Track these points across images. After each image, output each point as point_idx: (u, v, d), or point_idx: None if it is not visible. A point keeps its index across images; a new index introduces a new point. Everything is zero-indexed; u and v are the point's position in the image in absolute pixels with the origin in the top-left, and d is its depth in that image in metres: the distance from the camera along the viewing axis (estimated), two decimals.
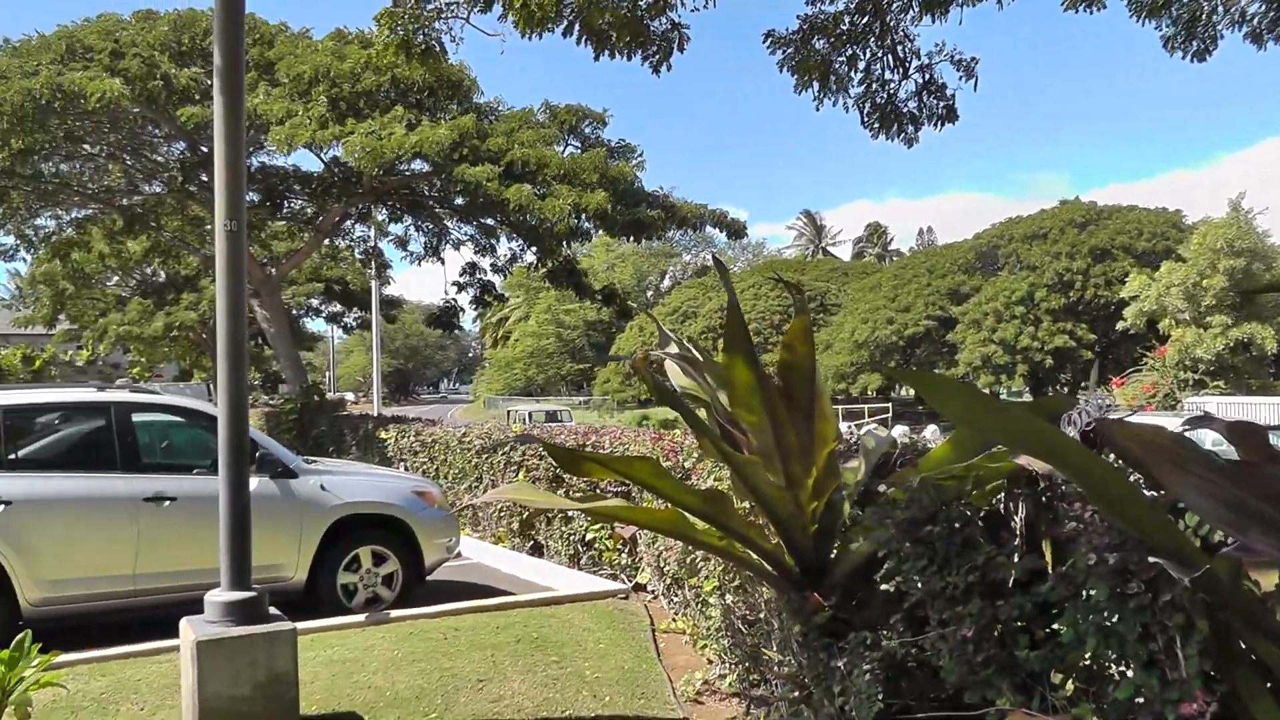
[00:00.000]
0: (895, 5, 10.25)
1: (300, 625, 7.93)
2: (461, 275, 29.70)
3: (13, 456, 9.68)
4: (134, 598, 9.76)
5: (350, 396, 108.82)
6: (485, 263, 29.40)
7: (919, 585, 4.53)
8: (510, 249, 28.65)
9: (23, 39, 24.60)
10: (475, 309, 30.43)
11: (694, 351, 6.27)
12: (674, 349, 6.36)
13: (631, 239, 25.23)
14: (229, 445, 6.89)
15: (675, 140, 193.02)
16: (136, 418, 10.28)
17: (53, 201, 28.16)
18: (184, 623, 6.93)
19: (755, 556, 5.63)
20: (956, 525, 4.54)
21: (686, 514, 5.53)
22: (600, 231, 24.32)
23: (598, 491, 9.85)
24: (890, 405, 60.29)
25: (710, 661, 7.99)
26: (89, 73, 21.97)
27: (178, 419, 10.80)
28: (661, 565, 9.24)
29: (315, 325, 59.01)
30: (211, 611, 6.83)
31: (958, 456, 5.11)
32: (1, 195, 24.66)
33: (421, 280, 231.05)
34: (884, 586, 4.82)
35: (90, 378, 72.71)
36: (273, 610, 7.01)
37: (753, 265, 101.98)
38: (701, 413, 5.89)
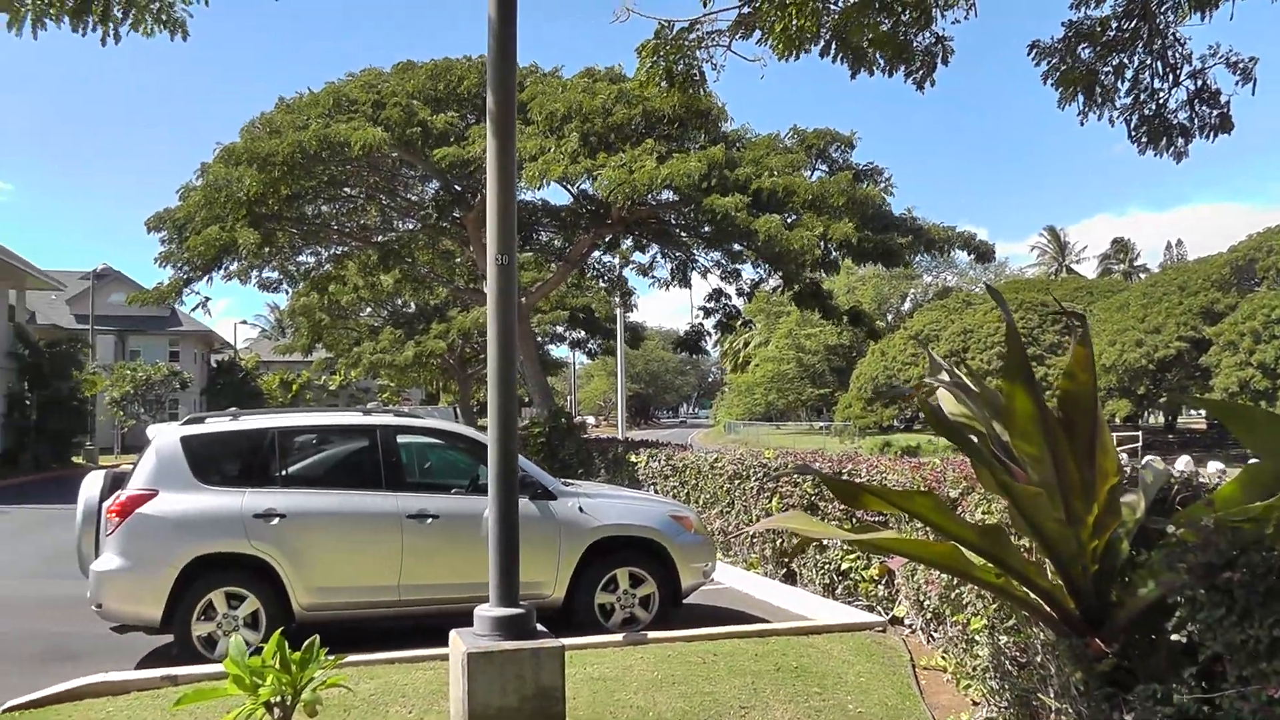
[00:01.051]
0: (1165, 5, 9.65)
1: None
2: (708, 300, 29.93)
3: (287, 473, 10.29)
4: (397, 607, 10.18)
5: (591, 420, 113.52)
6: (730, 288, 29.55)
7: (1215, 637, 4.23)
8: (756, 274, 28.72)
9: (295, 97, 26.27)
10: (719, 333, 30.59)
11: (967, 379, 6.08)
12: (945, 376, 6.19)
13: (877, 264, 24.85)
14: (499, 467, 7.07)
15: (902, 152, 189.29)
16: (400, 439, 10.76)
17: (314, 240, 29.64)
18: (454, 634, 7.10)
19: (1033, 596, 5.40)
20: (1259, 572, 4.22)
21: (963, 549, 5.35)
22: (848, 258, 24.05)
23: (861, 521, 9.67)
24: (1139, 434, 57.02)
25: (975, 703, 7.67)
26: (353, 123, 23.14)
27: (437, 441, 11.23)
28: (921, 599, 8.97)
29: (559, 351, 60.84)
30: (481, 625, 6.96)
31: (1254, 494, 4.76)
32: (269, 237, 26.06)
33: (661, 306, 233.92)
34: (1174, 636, 4.53)
35: (342, 402, 76.81)
36: (539, 627, 7.12)
37: (994, 284, 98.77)
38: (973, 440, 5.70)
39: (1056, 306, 63.75)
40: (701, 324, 30.53)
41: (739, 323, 30.75)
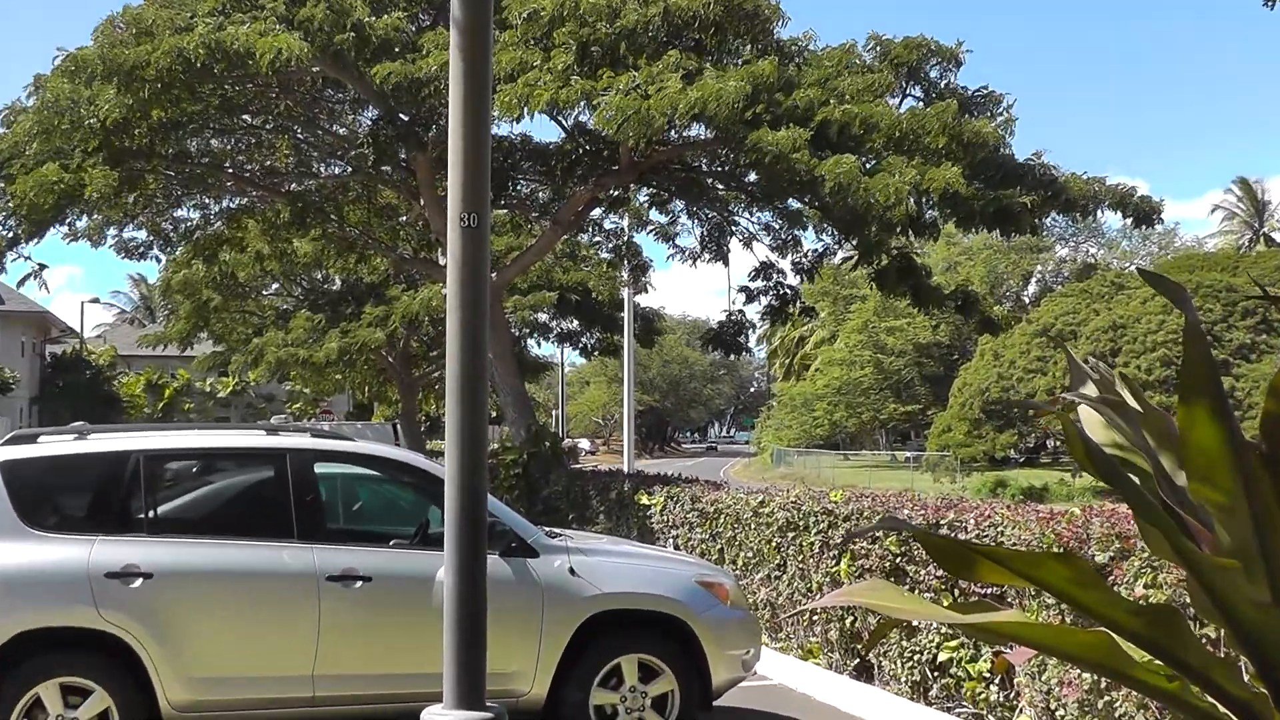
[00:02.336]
0: None
1: None
2: (752, 278, 29.68)
3: (155, 515, 10.26)
4: (312, 707, 10.15)
5: (586, 445, 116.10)
6: (783, 262, 29.30)
7: None
8: (820, 242, 28.50)
9: None
10: (766, 324, 30.57)
11: (1125, 392, 5.97)
12: (1092, 389, 6.08)
13: (991, 230, 24.65)
14: (460, 510, 7.08)
15: (1028, 79, 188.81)
16: (319, 469, 10.71)
17: (199, 187, 29.11)
18: None
19: (1221, 708, 5.29)
20: None
21: (1116, 638, 5.25)
22: (951, 221, 23.86)
23: (967, 594, 9.59)
24: None
25: None
26: (258, 26, 22.45)
27: (371, 473, 11.22)
28: (1054, 706, 8.91)
29: (542, 349, 60.93)
30: None
31: None
32: (133, 180, 25.59)
33: (686, 286, 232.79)
34: None
35: (237, 416, 74.50)
36: None
37: (1157, 260, 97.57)
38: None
39: (1254, 291, 62.30)
40: (742, 312, 30.56)
41: (795, 310, 30.39)
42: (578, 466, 26.55)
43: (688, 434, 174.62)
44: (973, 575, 5.45)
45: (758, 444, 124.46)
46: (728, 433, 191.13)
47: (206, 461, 10.93)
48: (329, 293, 51.13)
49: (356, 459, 11.16)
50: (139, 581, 9.79)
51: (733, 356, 34.34)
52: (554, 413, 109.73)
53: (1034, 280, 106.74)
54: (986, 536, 10.41)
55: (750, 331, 30.36)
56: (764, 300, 29.69)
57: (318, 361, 46.61)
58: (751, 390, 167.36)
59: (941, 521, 11.59)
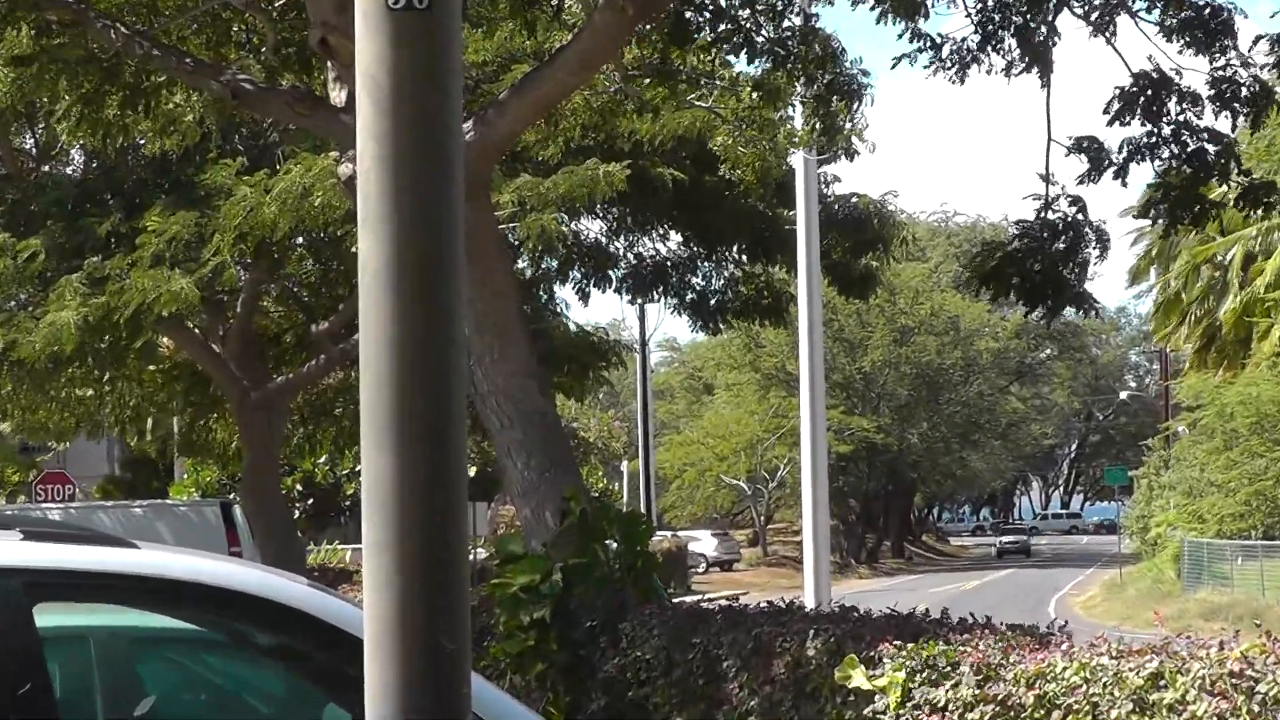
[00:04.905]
0: None
1: None
2: (1118, 113, 15.25)
3: None
4: None
5: (704, 542, 72.46)
6: (1198, 73, 15.03)
7: None
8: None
9: None
10: (1148, 232, 21.36)
11: None
12: None
13: None
14: None
15: None
16: (47, 620, 5.86)
17: None
18: None
19: None
20: None
21: None
22: None
23: None
24: None
25: None
26: None
27: (179, 624, 5.79)
28: None
29: (592, 313, 45.23)
30: None
31: None
32: None
33: (927, 174, 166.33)
34: None
35: None
36: None
37: None
38: None
39: None
40: (1079, 203, 16.18)
41: (1229, 187, 16.38)
42: (692, 598, 15.72)
43: (963, 511, 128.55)
44: None
45: (1137, 530, 68.47)
46: (1064, 502, 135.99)
47: None
48: (54, 183, 27.04)
49: (139, 594, 6.11)
50: None
51: (1063, 315, 18.05)
52: (624, 464, 74.10)
53: None
54: None
55: (1098, 249, 15.82)
56: (1147, 161, 15.29)
57: (28, 358, 23.87)
58: (1116, 406, 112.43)
59: None
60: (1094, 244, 17.20)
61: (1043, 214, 17.08)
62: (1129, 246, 70.92)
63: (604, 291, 31.51)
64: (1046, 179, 16.71)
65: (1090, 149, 16.18)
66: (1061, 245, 16.98)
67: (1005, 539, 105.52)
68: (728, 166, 22.82)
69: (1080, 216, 16.85)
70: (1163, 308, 63.51)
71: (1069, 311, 17.97)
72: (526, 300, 23.19)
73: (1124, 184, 16.55)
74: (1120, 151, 15.92)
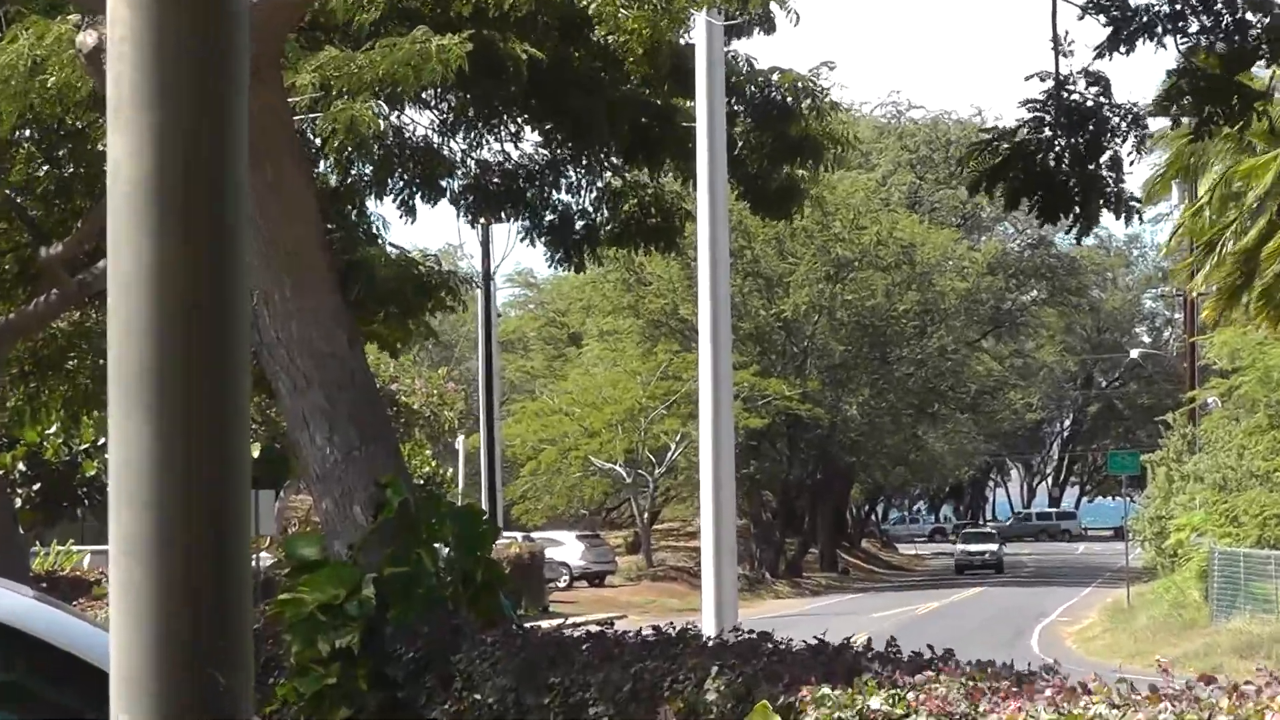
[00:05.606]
0: None
1: None
2: None
3: None
4: None
5: (568, 548, 78.25)
6: None
7: None
8: None
9: None
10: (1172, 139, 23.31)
11: None
12: None
13: None
14: None
15: None
16: None
17: None
18: None
19: None
20: None
21: None
22: None
23: None
24: None
25: None
26: None
27: None
28: None
29: (418, 233, 51.32)
30: None
31: None
32: None
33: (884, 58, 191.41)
34: None
35: None
36: None
37: None
38: None
39: None
40: (1100, 81, 17.81)
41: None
42: (550, 622, 17.94)
43: (917, 509, 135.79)
44: None
45: (1151, 536, 71.25)
46: (1053, 498, 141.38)
47: None
48: None
49: None
50: None
51: (1066, 239, 19.19)
52: (461, 441, 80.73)
53: None
54: None
55: (1134, 138, 17.60)
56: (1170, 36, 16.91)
57: None
58: (1125, 368, 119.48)
59: None
60: (1125, 133, 17.63)
61: (1055, 96, 17.31)
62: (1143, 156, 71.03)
63: (434, 205, 31.23)
64: (1057, 46, 17.06)
65: (1113, 5, 16.57)
66: (1082, 139, 17.36)
67: (967, 548, 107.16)
68: (604, 32, 23.20)
69: (1103, 99, 17.19)
70: (1188, 237, 64.06)
71: (1083, 235, 18.46)
72: (331, 219, 23.35)
73: (1160, 45, 16.90)
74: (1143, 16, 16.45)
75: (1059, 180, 16.52)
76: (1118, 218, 17.66)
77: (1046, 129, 16.62)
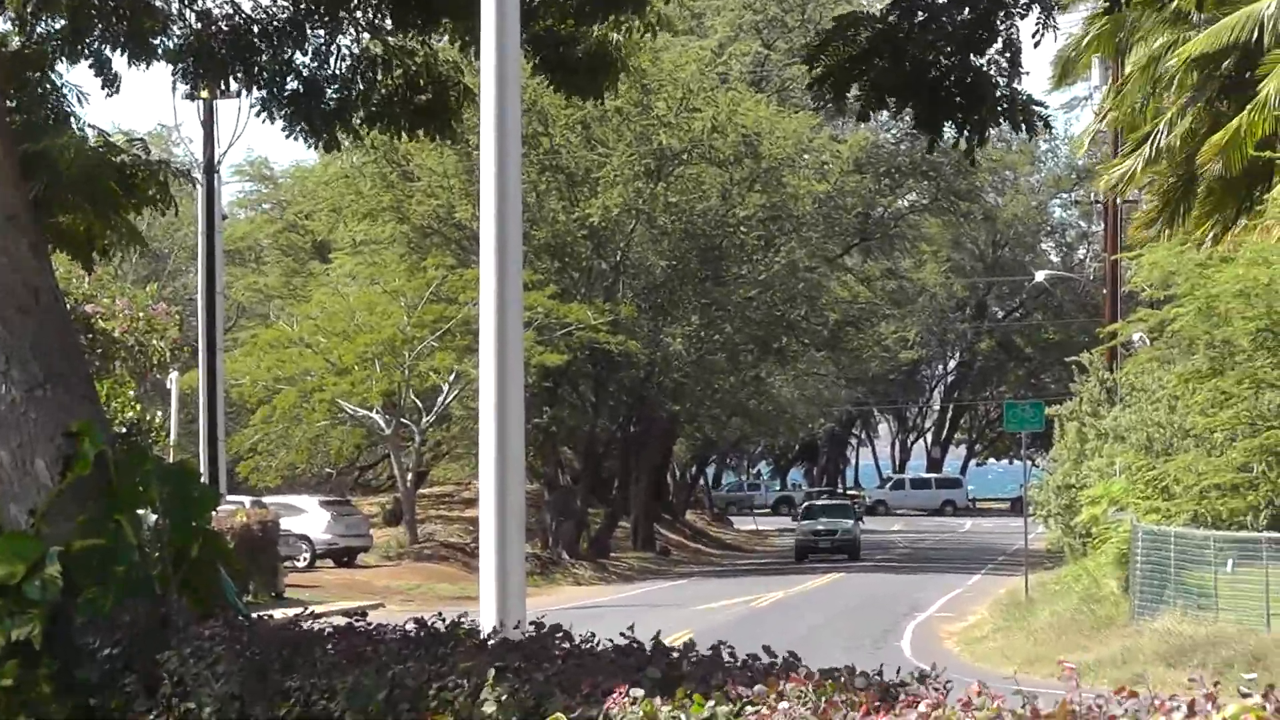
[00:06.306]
0: None
1: None
2: None
3: None
4: None
5: (312, 516, 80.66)
6: None
7: None
8: None
9: None
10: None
11: None
12: None
13: None
14: None
15: None
16: None
17: None
18: None
19: None
20: None
21: None
22: None
23: None
24: None
25: None
26: None
27: None
28: None
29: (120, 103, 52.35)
30: None
31: None
32: None
33: None
34: None
35: None
36: None
37: None
38: None
39: None
40: None
41: None
42: (288, 611, 19.34)
43: (757, 472, 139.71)
44: None
45: (1057, 511, 73.50)
46: (932, 459, 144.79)
47: None
48: None
49: None
50: None
51: (955, 141, 19.14)
52: (174, 379, 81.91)
53: None
54: None
55: (1039, 13, 17.80)
56: None
57: None
58: (1028, 295, 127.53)
59: None
60: (1025, 8, 17.81)
61: None
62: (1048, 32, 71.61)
63: (146, 68, 30.40)
64: None
65: None
66: (969, 13, 17.45)
67: (813, 524, 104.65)
68: None
69: None
70: (1113, 127, 65.53)
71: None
72: (8, 90, 22.84)
73: None
74: None
75: (935, 77, 16.55)
76: (1016, 128, 17.80)
77: (921, 10, 16.64)
